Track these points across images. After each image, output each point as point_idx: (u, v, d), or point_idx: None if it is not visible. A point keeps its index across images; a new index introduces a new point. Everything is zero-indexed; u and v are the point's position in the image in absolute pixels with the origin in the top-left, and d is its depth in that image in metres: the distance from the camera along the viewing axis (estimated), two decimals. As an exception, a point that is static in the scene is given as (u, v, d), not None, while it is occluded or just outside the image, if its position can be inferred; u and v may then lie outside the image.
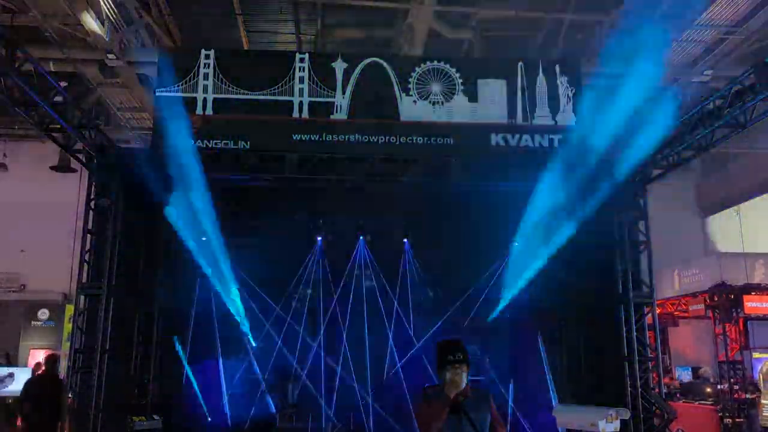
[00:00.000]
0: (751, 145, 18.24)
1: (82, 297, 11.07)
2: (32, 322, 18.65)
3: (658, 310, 12.71)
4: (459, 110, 12.19)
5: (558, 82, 12.39)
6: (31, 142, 17.81)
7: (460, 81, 12.32)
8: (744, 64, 12.38)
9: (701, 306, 16.40)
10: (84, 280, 10.96)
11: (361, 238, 13.93)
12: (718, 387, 14.97)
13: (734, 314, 15.37)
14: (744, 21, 12.76)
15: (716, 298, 15.69)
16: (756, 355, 14.76)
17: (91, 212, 11.15)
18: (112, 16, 12.49)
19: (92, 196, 11.17)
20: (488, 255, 13.54)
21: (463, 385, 3.94)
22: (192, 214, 11.46)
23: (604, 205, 11.03)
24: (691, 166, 17.59)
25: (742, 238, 17.92)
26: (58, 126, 9.99)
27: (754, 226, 18.96)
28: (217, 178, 11.24)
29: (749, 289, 15.42)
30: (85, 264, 11.02)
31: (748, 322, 15.43)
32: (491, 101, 12.26)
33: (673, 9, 11.32)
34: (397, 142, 11.87)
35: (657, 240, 12.08)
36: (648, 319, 11.76)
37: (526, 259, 12.35)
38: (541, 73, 12.38)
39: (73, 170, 16.31)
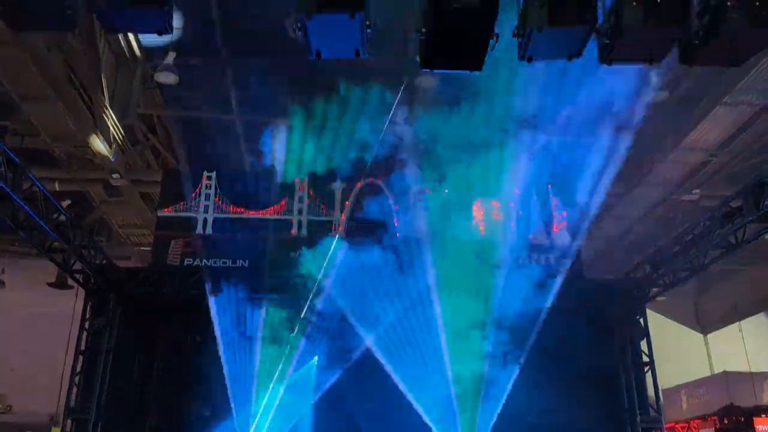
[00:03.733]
0: (750, 262, 18.21)
1: (69, 421, 10.65)
2: (16, 446, 17.81)
3: (666, 435, 12.21)
4: (455, 227, 12.33)
5: (552, 204, 12.68)
6: (30, 258, 17.84)
7: (456, 200, 12.56)
8: (731, 182, 12.69)
9: (711, 430, 15.77)
10: (72, 403, 10.60)
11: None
12: None
13: (746, 438, 14.77)
14: (726, 144, 13.10)
15: (726, 421, 15.14)
16: (771, 481, 14.04)
17: (84, 332, 11.00)
18: (119, 138, 12.91)
19: (87, 316, 11.06)
20: None
21: None
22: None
23: (604, 327, 10.90)
24: (688, 283, 17.53)
25: (747, 356, 17.58)
26: (58, 245, 10.07)
27: (758, 344, 18.66)
28: (213, 293, 11.21)
29: (759, 410, 14.93)
30: (74, 387, 10.71)
31: (761, 446, 14.79)
32: (487, 221, 12.47)
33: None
34: (394, 257, 11.90)
35: (660, 357, 11.86)
36: (657, 444, 11.29)
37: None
38: (534, 196, 12.67)
39: (70, 287, 16.22)
